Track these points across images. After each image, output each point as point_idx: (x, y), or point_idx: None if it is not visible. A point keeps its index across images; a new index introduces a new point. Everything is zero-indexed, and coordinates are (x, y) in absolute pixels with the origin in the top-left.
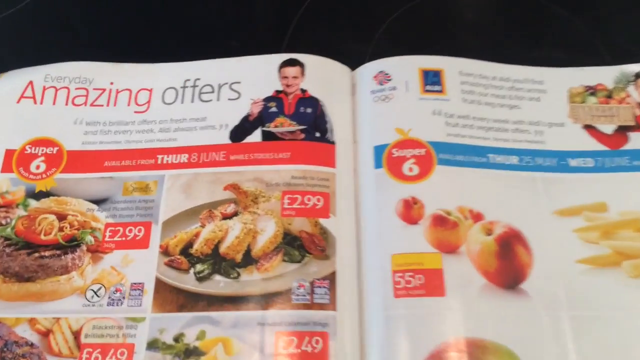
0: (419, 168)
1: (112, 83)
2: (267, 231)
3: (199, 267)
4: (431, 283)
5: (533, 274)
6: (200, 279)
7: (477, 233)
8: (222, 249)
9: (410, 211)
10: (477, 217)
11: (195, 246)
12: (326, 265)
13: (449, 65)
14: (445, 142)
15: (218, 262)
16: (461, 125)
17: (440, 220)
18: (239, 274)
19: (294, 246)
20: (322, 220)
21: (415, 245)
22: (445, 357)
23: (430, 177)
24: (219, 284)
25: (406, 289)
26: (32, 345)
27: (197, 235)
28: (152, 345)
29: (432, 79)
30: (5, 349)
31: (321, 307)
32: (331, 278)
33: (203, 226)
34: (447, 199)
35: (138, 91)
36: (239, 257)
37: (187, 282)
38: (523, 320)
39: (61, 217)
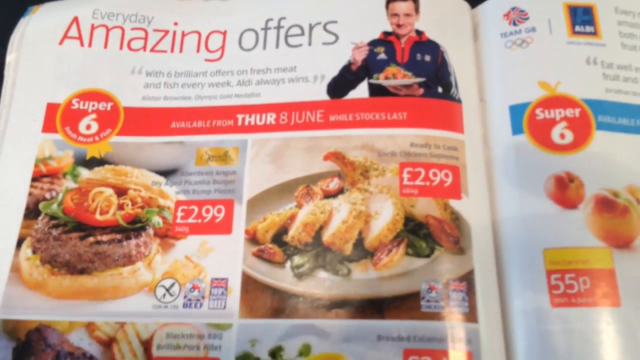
0: (573, 134)
1: (176, 23)
2: (384, 215)
3: (297, 259)
4: (600, 288)
5: None
6: (300, 275)
7: None
8: (326, 236)
9: (565, 191)
10: None
11: (291, 232)
12: (462, 262)
13: (602, 0)
14: (605, 101)
15: (321, 254)
16: (622, 78)
17: (607, 205)
18: (349, 271)
19: (420, 235)
20: (452, 202)
21: (575, 237)
22: None
23: (589, 146)
24: (324, 283)
25: (567, 295)
26: (91, 357)
27: (292, 218)
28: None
29: (582, 17)
30: None
31: (460, 317)
32: (468, 279)
33: (300, 207)
34: (613, 176)
35: (209, 34)
36: (348, 248)
37: (283, 278)
38: None
39: (120, 192)
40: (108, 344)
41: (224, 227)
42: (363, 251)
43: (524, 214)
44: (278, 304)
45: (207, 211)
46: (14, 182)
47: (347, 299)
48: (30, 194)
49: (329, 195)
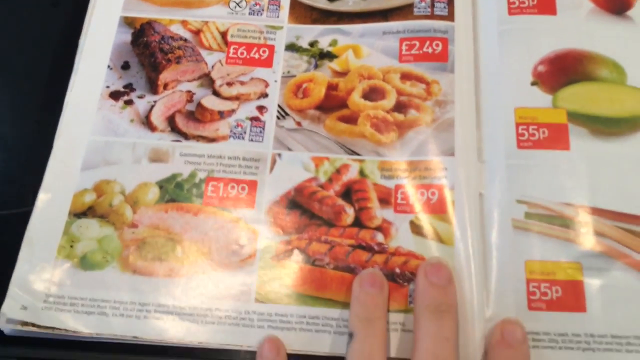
0: None
1: None
2: None
3: None
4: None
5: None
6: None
7: None
8: None
9: None
10: None
11: None
12: None
13: None
14: None
15: None
16: None
17: None
18: None
19: None
20: None
21: None
22: (555, 61)
23: None
24: (347, 3)
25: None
26: (185, 40)
27: None
28: (290, 47)
29: None
30: (162, 41)
31: (441, 18)
32: None
33: None
34: None
35: None
36: None
37: (319, 1)
38: (629, 39)
39: None
40: (197, 32)
41: None
42: None
43: None
44: (316, 16)
45: None
46: None
47: (364, 12)
48: None
49: None
